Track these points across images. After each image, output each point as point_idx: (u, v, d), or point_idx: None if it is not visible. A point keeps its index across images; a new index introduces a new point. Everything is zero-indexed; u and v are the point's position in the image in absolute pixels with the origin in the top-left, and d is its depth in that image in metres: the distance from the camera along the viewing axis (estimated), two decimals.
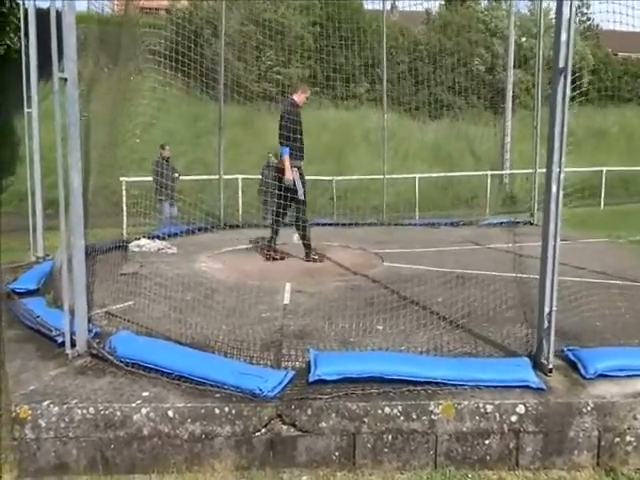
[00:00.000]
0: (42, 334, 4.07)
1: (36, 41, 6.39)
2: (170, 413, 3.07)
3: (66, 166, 3.59)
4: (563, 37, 3.20)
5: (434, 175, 18.21)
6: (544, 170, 3.38)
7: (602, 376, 3.30)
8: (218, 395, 3.16)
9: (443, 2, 28.37)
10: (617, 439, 3.11)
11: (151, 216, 7.25)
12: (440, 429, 3.09)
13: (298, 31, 18.30)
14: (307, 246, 6.89)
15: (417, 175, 16.80)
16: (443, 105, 23.14)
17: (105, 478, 3.05)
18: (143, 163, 9.91)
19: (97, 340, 3.76)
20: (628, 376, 3.32)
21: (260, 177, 12.49)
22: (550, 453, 3.12)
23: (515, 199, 17.95)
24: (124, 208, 9.34)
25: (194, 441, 3.07)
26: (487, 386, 3.21)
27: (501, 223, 10.06)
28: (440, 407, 3.09)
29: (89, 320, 3.87)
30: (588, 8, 27.69)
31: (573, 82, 3.31)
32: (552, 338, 3.34)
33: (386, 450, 3.09)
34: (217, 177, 10.20)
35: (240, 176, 13.07)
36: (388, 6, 12.70)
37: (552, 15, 4.17)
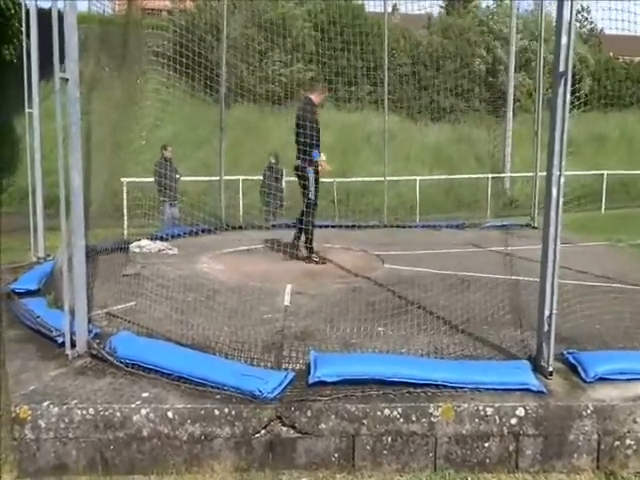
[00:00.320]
0: (42, 334, 4.07)
1: (37, 41, 6.40)
2: (170, 414, 3.07)
3: (67, 166, 3.59)
4: (563, 40, 3.20)
5: (435, 178, 18.23)
6: (545, 173, 3.38)
7: (602, 379, 3.30)
8: (218, 396, 3.16)
9: (444, 5, 28.43)
10: (617, 442, 3.11)
11: (152, 217, 7.27)
12: (440, 431, 3.09)
13: (300, 32, 18.34)
14: (309, 249, 6.89)
15: (418, 177, 16.81)
16: (444, 108, 23.15)
17: (104, 479, 3.05)
18: (146, 164, 9.92)
19: (97, 341, 3.76)
20: (628, 380, 3.32)
21: (262, 178, 12.51)
22: (550, 456, 3.11)
23: (516, 202, 17.97)
24: (125, 209, 9.36)
25: (194, 442, 3.07)
26: (487, 389, 3.21)
27: (502, 226, 10.05)
28: (440, 409, 3.09)
29: (89, 321, 3.87)
30: (589, 13, 27.74)
31: (573, 86, 3.31)
32: (552, 341, 3.34)
33: (385, 452, 3.09)
34: (218, 178, 10.20)
35: (241, 177, 13.09)
36: (389, 9, 12.68)
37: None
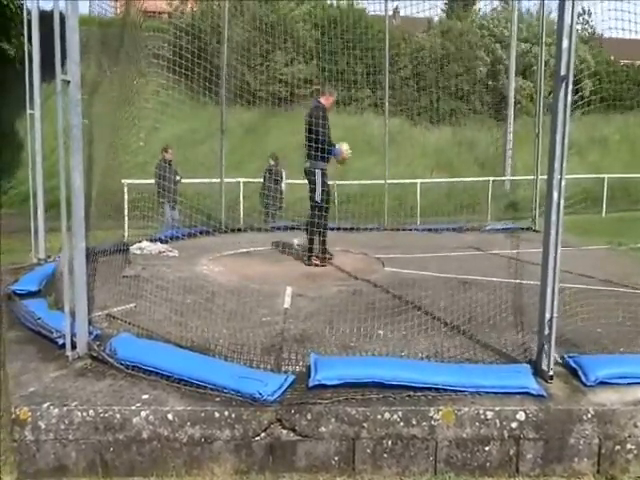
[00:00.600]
0: (43, 336, 4.07)
1: (39, 43, 6.40)
2: (170, 416, 3.06)
3: (68, 168, 3.59)
4: (565, 44, 3.21)
5: (436, 180, 18.23)
6: (545, 177, 3.39)
7: (603, 383, 3.30)
8: (218, 399, 3.16)
9: (445, 8, 28.46)
10: (617, 447, 3.11)
11: (153, 219, 7.27)
12: (440, 435, 3.08)
13: (301, 36, 18.36)
14: (310, 250, 6.90)
15: (419, 180, 16.81)
16: (445, 111, 23.15)
17: None
18: (146, 166, 9.92)
19: (98, 342, 3.76)
20: (629, 384, 3.31)
21: (262, 181, 12.51)
22: (550, 460, 3.11)
23: (517, 205, 17.94)
24: (126, 211, 9.36)
25: (193, 445, 3.07)
26: (487, 392, 3.21)
27: (503, 229, 10.05)
28: (440, 413, 3.08)
29: (90, 322, 3.87)
30: (590, 16, 27.75)
31: (575, 89, 3.31)
32: (553, 345, 3.34)
33: (386, 455, 3.09)
34: (219, 180, 10.20)
35: (242, 179, 13.09)
36: (390, 11, 12.69)
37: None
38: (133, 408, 3.08)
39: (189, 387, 3.26)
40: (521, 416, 3.09)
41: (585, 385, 3.30)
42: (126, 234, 9.00)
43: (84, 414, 3.06)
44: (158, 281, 5.43)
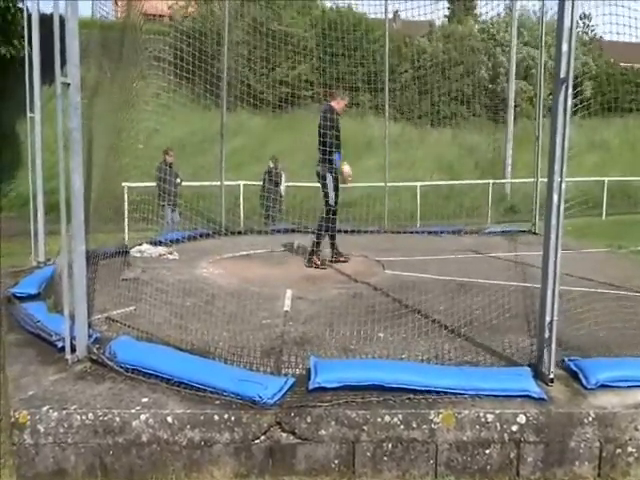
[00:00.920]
0: (42, 339, 4.07)
1: (39, 46, 6.41)
2: (169, 419, 3.06)
3: (68, 170, 3.59)
4: (564, 48, 3.21)
5: (436, 183, 18.24)
6: (545, 180, 3.38)
7: (603, 386, 3.29)
8: (218, 402, 3.15)
9: (447, 11, 28.50)
10: (618, 450, 3.10)
11: (153, 221, 7.27)
12: (440, 438, 3.08)
13: (302, 39, 18.39)
14: (311, 252, 6.91)
15: (419, 183, 16.81)
16: (446, 114, 23.17)
17: None
18: (147, 169, 9.92)
19: (97, 345, 3.75)
20: (630, 387, 3.30)
21: (261, 183, 12.51)
22: (551, 463, 3.10)
23: (516, 208, 17.95)
24: (126, 213, 9.36)
25: (193, 448, 3.06)
26: (488, 395, 3.20)
27: (503, 232, 10.04)
28: (440, 416, 3.08)
29: (89, 325, 3.86)
30: (590, 20, 27.81)
31: (575, 93, 3.31)
32: (553, 348, 3.33)
33: (386, 459, 3.08)
34: (219, 183, 10.20)
35: (242, 182, 13.10)
36: (391, 15, 12.71)
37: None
38: (133, 411, 3.08)
39: (189, 390, 3.26)
40: (522, 419, 3.08)
41: (586, 388, 3.29)
42: (126, 237, 9.00)
43: (83, 417, 3.05)
44: (158, 284, 5.42)
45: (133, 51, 5.69)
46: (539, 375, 3.40)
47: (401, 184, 15.48)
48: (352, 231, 9.94)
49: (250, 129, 18.68)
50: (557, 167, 3.25)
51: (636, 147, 24.32)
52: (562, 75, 3.21)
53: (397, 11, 16.02)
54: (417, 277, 6.14)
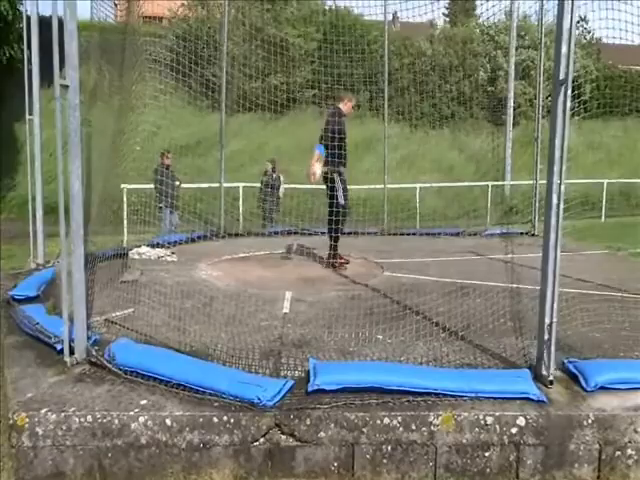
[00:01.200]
0: (41, 341, 4.06)
1: (38, 49, 6.41)
2: (168, 422, 3.05)
3: (66, 173, 3.59)
4: (563, 49, 3.21)
5: (435, 185, 18.24)
6: (545, 181, 3.38)
7: (603, 389, 3.29)
8: (217, 404, 3.15)
9: (446, 12, 28.55)
10: (618, 452, 3.09)
11: (152, 224, 7.27)
12: (440, 440, 3.07)
13: (301, 45, 18.43)
14: (330, 255, 6.92)
15: (418, 185, 16.81)
16: (445, 116, 23.18)
17: None
18: (145, 171, 9.92)
19: (96, 347, 3.75)
20: (629, 389, 3.30)
21: (259, 185, 12.52)
22: (550, 466, 3.09)
23: (516, 210, 17.95)
24: (125, 216, 9.35)
25: (192, 450, 3.06)
26: (487, 397, 3.20)
27: (502, 233, 10.04)
28: (440, 418, 3.07)
29: (88, 327, 3.85)
30: (588, 22, 27.83)
31: (574, 94, 3.32)
32: (553, 350, 3.33)
33: (385, 461, 3.07)
34: (218, 185, 10.20)
35: (241, 184, 13.09)
36: (390, 16, 12.71)
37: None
38: (131, 413, 3.07)
39: (188, 392, 3.25)
40: (521, 421, 3.08)
41: (585, 390, 3.29)
42: (125, 239, 9.00)
43: (82, 420, 3.05)
44: (157, 286, 5.42)
45: (132, 53, 5.70)
46: (538, 377, 3.39)
47: (400, 186, 15.47)
48: (351, 233, 9.94)
49: (249, 131, 18.68)
50: (556, 168, 3.25)
51: (635, 149, 24.33)
52: (561, 77, 3.21)
53: (396, 13, 16.02)
54: (416, 279, 6.15)
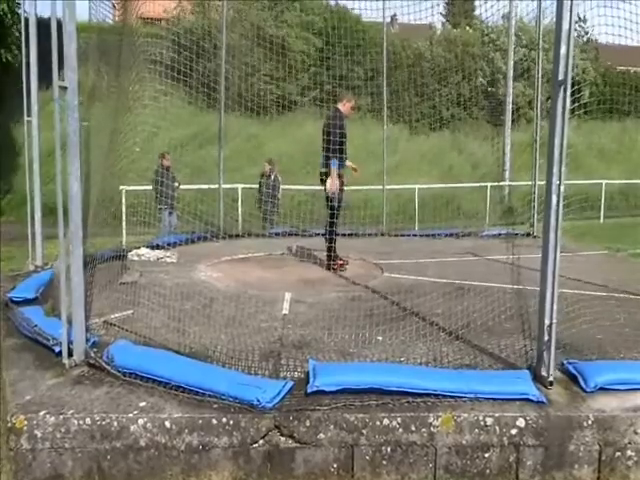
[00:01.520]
0: (40, 343, 4.05)
1: (37, 50, 6.40)
2: (167, 424, 3.04)
3: (65, 174, 3.58)
4: (562, 50, 3.21)
5: (434, 186, 18.24)
6: (543, 182, 3.38)
7: (603, 389, 3.28)
8: (216, 406, 3.14)
9: (444, 13, 28.57)
10: (618, 453, 3.09)
11: (151, 225, 7.26)
12: (439, 442, 3.06)
13: (300, 46, 18.44)
14: (329, 257, 6.91)
15: (417, 186, 16.81)
16: (444, 118, 23.18)
17: None
18: (145, 172, 9.92)
19: (95, 349, 3.74)
20: (629, 390, 3.30)
21: (258, 186, 12.50)
22: (550, 467, 3.09)
23: (514, 211, 17.95)
24: (123, 217, 9.35)
25: (191, 452, 3.05)
26: (487, 398, 3.19)
27: (501, 234, 10.04)
28: (439, 419, 3.06)
29: (87, 329, 3.85)
30: (586, 22, 27.85)
31: (573, 95, 3.31)
32: (553, 351, 3.32)
33: (385, 462, 3.07)
34: (217, 186, 10.20)
35: (240, 185, 13.10)
36: (388, 18, 12.73)
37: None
38: (130, 416, 3.06)
39: (187, 394, 3.24)
40: (521, 422, 3.07)
41: (585, 391, 3.28)
42: (124, 240, 8.99)
43: (81, 422, 3.04)
44: (156, 287, 5.41)
45: (130, 54, 5.69)
46: (538, 378, 3.39)
47: (399, 187, 15.48)
48: (350, 234, 9.94)
49: (248, 132, 18.68)
50: (556, 169, 3.24)
51: (634, 150, 24.36)
52: (560, 77, 3.20)
53: (395, 15, 16.04)
54: (415, 280, 6.14)
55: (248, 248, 8.24)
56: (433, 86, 21.51)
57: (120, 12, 6.53)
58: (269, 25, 16.03)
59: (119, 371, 3.48)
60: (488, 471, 3.07)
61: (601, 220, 18.42)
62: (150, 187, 10.32)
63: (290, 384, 3.32)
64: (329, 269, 6.84)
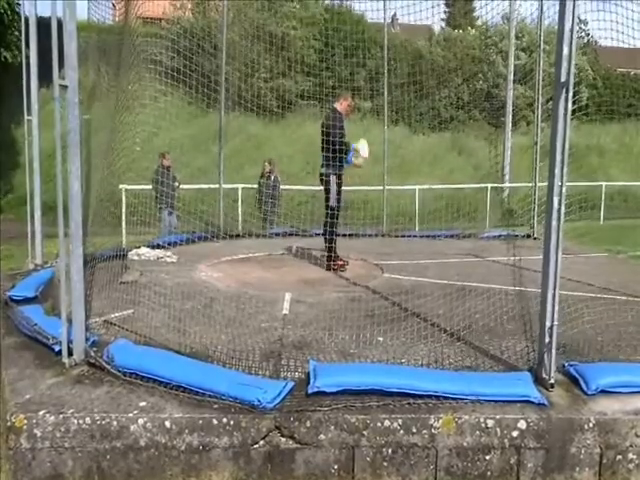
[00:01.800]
0: (39, 342, 4.04)
1: (37, 49, 6.39)
2: (167, 424, 3.03)
3: (65, 173, 3.57)
4: (565, 51, 3.20)
5: (434, 187, 18.25)
6: (544, 184, 3.37)
7: (604, 392, 3.28)
8: (216, 406, 3.13)
9: (444, 16, 28.59)
10: (619, 456, 3.08)
11: (151, 225, 7.25)
12: (440, 443, 3.06)
13: (301, 46, 18.42)
14: (329, 257, 6.90)
15: (417, 187, 16.81)
16: (445, 119, 23.19)
17: None
18: (145, 172, 9.91)
19: (95, 349, 3.73)
20: (630, 392, 3.29)
21: (258, 186, 12.50)
22: (551, 469, 3.08)
23: (515, 212, 17.95)
24: (124, 217, 9.34)
25: (191, 452, 3.04)
26: (488, 400, 3.18)
27: (501, 236, 10.04)
28: (440, 421, 3.06)
29: (87, 328, 3.84)
30: (586, 25, 27.87)
31: (574, 97, 3.31)
32: (554, 353, 3.32)
33: (385, 464, 3.06)
34: (217, 186, 10.19)
35: (240, 185, 13.09)
36: (389, 19, 12.73)
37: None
38: (130, 415, 3.05)
39: (187, 394, 3.23)
40: (522, 425, 3.06)
41: (586, 394, 3.28)
42: (124, 240, 8.98)
43: (80, 422, 3.03)
44: (156, 287, 5.40)
45: (130, 54, 5.68)
46: (539, 380, 3.38)
47: (399, 187, 15.48)
48: (351, 235, 9.93)
49: (248, 132, 18.68)
50: (557, 170, 3.24)
51: (633, 152, 24.38)
52: (562, 79, 3.20)
53: (395, 15, 16.04)
54: (416, 281, 6.13)
55: (248, 248, 8.23)
56: (434, 86, 21.50)
57: (120, 12, 6.52)
58: (269, 23, 16.02)
59: (119, 371, 3.47)
60: (489, 473, 3.07)
61: (601, 221, 18.41)
62: (150, 187, 10.31)
63: (291, 384, 3.31)
64: (329, 269, 6.83)
